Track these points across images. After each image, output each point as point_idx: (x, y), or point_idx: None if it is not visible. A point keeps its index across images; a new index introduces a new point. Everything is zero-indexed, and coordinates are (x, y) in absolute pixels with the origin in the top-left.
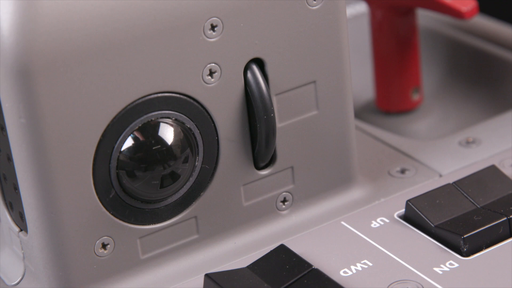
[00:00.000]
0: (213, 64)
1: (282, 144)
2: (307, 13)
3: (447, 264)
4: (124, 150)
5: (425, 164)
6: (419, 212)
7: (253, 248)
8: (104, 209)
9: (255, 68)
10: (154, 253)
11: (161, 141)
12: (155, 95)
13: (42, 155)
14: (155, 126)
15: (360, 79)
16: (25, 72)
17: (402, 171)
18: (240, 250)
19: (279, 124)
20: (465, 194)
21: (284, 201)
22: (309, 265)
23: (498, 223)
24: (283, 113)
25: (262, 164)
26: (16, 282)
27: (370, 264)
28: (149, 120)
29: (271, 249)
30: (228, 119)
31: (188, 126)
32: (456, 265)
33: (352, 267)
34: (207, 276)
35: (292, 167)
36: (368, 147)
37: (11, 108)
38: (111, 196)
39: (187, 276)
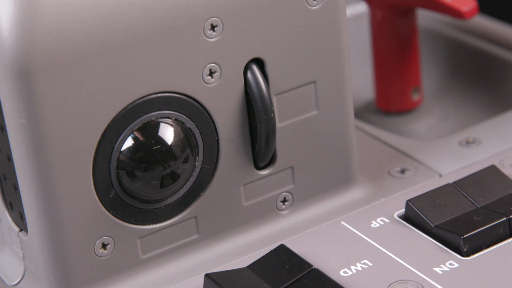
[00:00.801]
0: (213, 64)
1: (282, 144)
2: (307, 13)
3: (447, 264)
4: (124, 150)
5: (425, 164)
6: (419, 212)
7: (253, 248)
8: (104, 209)
9: (255, 68)
10: (154, 253)
11: (161, 141)
12: (155, 95)
13: (42, 155)
14: (155, 126)
15: (360, 79)
16: (25, 72)
17: (402, 171)
18: (240, 250)
19: (279, 124)
20: (465, 194)
21: (284, 201)
22: (309, 265)
23: (498, 223)
24: (283, 113)
25: (262, 164)
26: (16, 282)
27: (370, 264)
28: (149, 120)
29: (271, 249)
30: (228, 119)
31: (188, 126)
32: (456, 265)
33: (352, 267)
34: (207, 276)
35: (292, 167)
36: (368, 147)
37: (11, 108)
38: (111, 196)
39: (187, 276)
